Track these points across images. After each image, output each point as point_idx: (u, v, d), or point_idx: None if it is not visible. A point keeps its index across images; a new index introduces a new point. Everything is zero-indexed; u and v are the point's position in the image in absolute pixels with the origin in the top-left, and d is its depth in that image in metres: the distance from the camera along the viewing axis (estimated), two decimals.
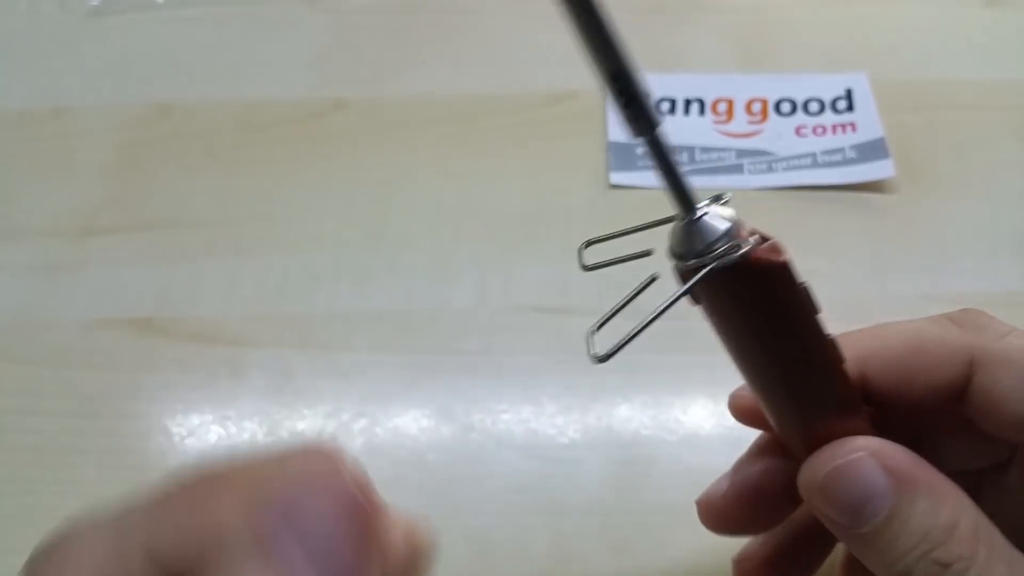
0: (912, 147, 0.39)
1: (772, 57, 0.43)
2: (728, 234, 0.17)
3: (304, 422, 0.31)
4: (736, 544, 0.27)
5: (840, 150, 0.39)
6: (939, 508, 0.19)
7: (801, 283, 0.18)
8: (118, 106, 0.42)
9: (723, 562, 0.27)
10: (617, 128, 0.40)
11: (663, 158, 0.17)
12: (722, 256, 0.17)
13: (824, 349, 0.19)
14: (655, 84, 0.42)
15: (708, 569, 0.27)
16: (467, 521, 0.28)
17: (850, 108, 0.40)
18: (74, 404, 0.31)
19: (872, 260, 0.35)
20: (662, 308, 0.18)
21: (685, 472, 0.29)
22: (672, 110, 0.41)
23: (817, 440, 0.20)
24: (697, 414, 0.31)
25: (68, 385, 0.32)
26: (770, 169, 0.38)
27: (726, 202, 0.18)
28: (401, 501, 0.29)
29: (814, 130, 0.40)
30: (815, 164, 0.38)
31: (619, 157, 0.39)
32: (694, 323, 0.35)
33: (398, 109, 0.41)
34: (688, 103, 0.41)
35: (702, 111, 0.41)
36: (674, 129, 0.40)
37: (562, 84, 0.42)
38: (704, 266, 0.17)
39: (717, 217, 0.18)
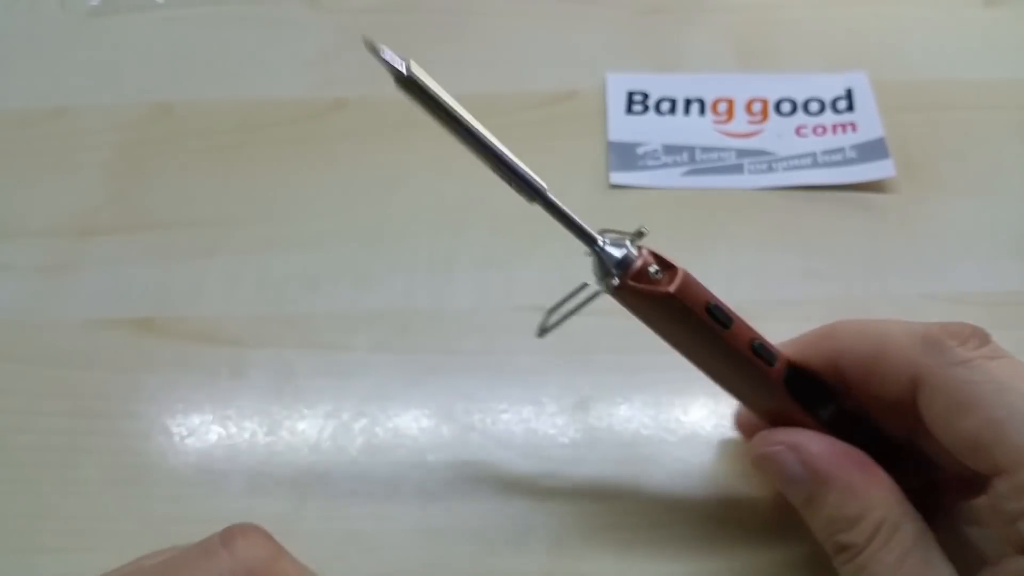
0: (912, 147, 0.39)
1: (772, 57, 0.43)
2: (623, 263, 0.22)
3: (304, 422, 0.31)
4: (739, 547, 0.27)
5: (840, 150, 0.39)
6: (847, 502, 0.22)
7: (703, 304, 0.23)
8: (118, 106, 0.42)
9: (724, 561, 0.27)
10: (617, 128, 0.40)
11: (559, 213, 0.23)
12: (613, 283, 0.23)
13: (731, 356, 0.23)
14: (656, 84, 0.42)
15: (709, 568, 0.27)
16: (467, 521, 0.28)
17: (850, 108, 0.40)
18: (74, 404, 0.31)
19: (872, 260, 0.35)
20: (577, 306, 0.24)
21: (685, 472, 0.29)
22: (672, 110, 0.41)
23: (763, 415, 0.25)
24: (697, 414, 0.31)
25: (68, 385, 0.32)
26: (770, 169, 0.38)
27: (643, 236, 0.23)
28: (401, 501, 0.29)
29: (814, 130, 0.40)
30: (815, 164, 0.38)
31: (619, 157, 0.39)
32: None
33: (398, 109, 0.41)
34: (688, 103, 0.41)
35: (702, 111, 0.41)
36: (674, 129, 0.40)
37: (562, 84, 0.42)
38: (605, 283, 0.23)
39: (620, 249, 0.23)
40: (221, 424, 0.31)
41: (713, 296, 0.23)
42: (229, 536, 0.21)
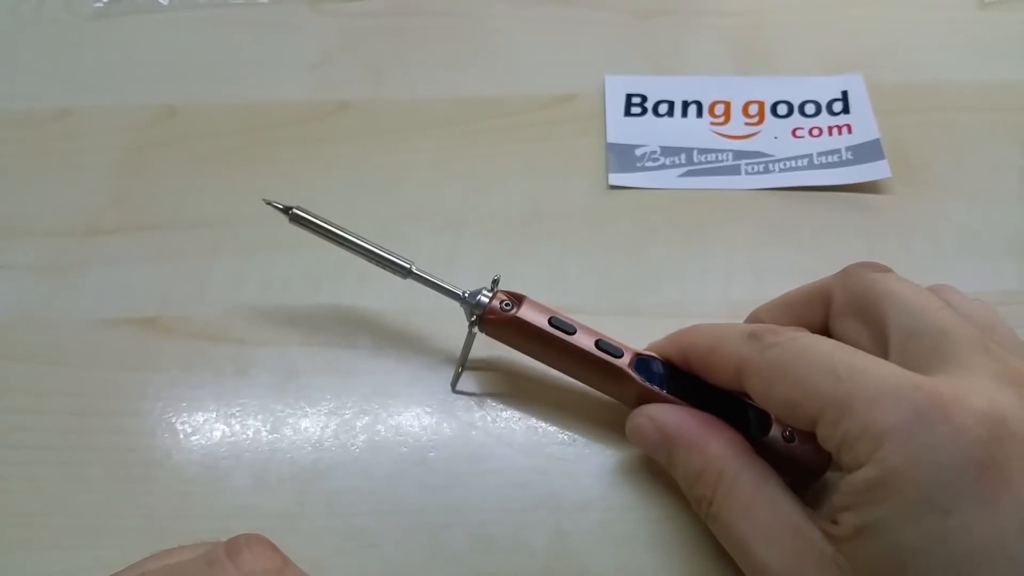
0: (907, 148, 0.39)
1: (768, 60, 0.44)
2: (479, 305, 0.29)
3: (307, 419, 0.31)
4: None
5: (836, 151, 0.39)
6: (691, 457, 0.26)
7: (546, 319, 0.29)
8: (123, 107, 0.42)
9: (721, 558, 0.28)
10: (616, 130, 0.41)
11: (428, 282, 0.30)
12: (473, 320, 0.30)
13: (581, 355, 0.28)
14: (654, 86, 0.42)
15: (706, 566, 0.27)
16: (468, 517, 0.29)
17: (846, 110, 0.41)
18: (80, 402, 0.32)
19: (868, 260, 0.35)
20: (464, 350, 0.31)
21: None
22: (670, 112, 0.41)
23: (629, 403, 0.29)
24: None
25: (74, 383, 0.32)
26: (767, 170, 0.39)
27: (497, 283, 0.30)
28: (403, 498, 0.29)
29: (810, 131, 0.40)
30: (811, 165, 0.39)
31: (618, 158, 0.39)
32: (689, 322, 0.35)
33: (400, 111, 0.42)
34: (686, 105, 0.41)
35: (700, 113, 0.41)
36: (672, 131, 0.40)
37: (562, 86, 0.42)
38: (469, 323, 0.30)
39: (475, 297, 0.29)
40: (225, 422, 0.31)
41: (556, 312, 0.29)
42: (234, 548, 0.21)
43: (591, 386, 0.30)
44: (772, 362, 0.24)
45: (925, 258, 0.35)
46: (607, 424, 0.31)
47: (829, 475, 0.27)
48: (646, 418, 0.27)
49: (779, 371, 0.23)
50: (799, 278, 0.35)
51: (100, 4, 0.47)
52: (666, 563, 0.28)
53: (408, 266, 0.30)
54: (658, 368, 0.28)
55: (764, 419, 0.28)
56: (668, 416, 0.27)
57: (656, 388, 0.28)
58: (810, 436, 0.27)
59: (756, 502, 0.24)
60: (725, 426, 0.26)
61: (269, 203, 0.31)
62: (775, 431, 0.27)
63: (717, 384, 0.27)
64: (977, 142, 0.40)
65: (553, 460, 0.30)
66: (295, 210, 0.31)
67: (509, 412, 0.31)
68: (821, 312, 0.28)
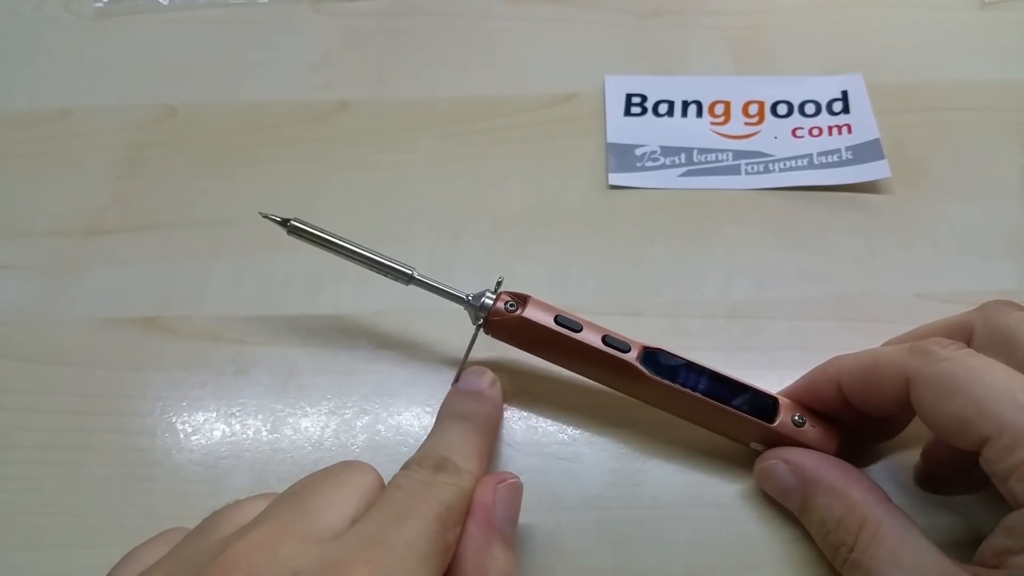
0: (907, 148, 0.39)
1: (768, 60, 0.44)
2: (483, 308, 0.29)
3: (307, 419, 0.31)
4: (733, 544, 0.28)
5: (836, 151, 0.39)
6: (832, 503, 0.25)
7: (552, 318, 0.29)
8: (123, 107, 0.42)
9: (718, 557, 0.28)
10: (616, 130, 0.41)
11: (431, 288, 0.30)
12: (479, 323, 0.29)
13: (589, 351, 0.28)
14: (654, 86, 0.42)
15: (704, 563, 0.28)
16: None
17: (846, 110, 0.41)
18: (80, 402, 0.32)
19: (867, 259, 0.35)
20: (467, 351, 0.30)
21: (681, 469, 0.30)
22: (670, 112, 0.41)
23: (643, 399, 0.29)
24: None
25: (74, 383, 0.32)
26: (767, 170, 0.39)
27: (500, 284, 0.30)
28: None
29: (810, 131, 0.40)
30: (811, 165, 0.39)
31: (618, 158, 0.39)
32: (689, 321, 0.35)
33: (400, 111, 0.42)
34: (686, 105, 0.41)
35: (700, 113, 0.41)
36: (672, 130, 0.40)
37: (562, 86, 0.42)
38: (475, 325, 0.30)
39: (479, 299, 0.29)
40: (225, 421, 0.31)
41: (561, 310, 0.29)
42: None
43: (599, 382, 0.30)
44: (947, 375, 0.23)
45: (925, 258, 0.35)
46: (607, 424, 0.31)
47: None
48: (780, 461, 0.27)
49: (953, 386, 0.23)
50: (799, 278, 0.35)
51: (100, 4, 0.47)
52: (666, 563, 0.28)
53: (410, 273, 0.30)
54: (666, 361, 0.28)
55: (774, 405, 0.28)
56: (806, 459, 0.27)
57: (665, 380, 0.28)
58: (822, 420, 0.28)
59: (903, 549, 0.24)
60: (862, 473, 0.26)
61: (266, 216, 0.31)
62: (785, 416, 0.28)
63: (876, 405, 0.26)
64: (977, 142, 0.40)
65: (553, 460, 0.30)
66: (293, 222, 0.30)
67: (509, 412, 0.31)
68: None
